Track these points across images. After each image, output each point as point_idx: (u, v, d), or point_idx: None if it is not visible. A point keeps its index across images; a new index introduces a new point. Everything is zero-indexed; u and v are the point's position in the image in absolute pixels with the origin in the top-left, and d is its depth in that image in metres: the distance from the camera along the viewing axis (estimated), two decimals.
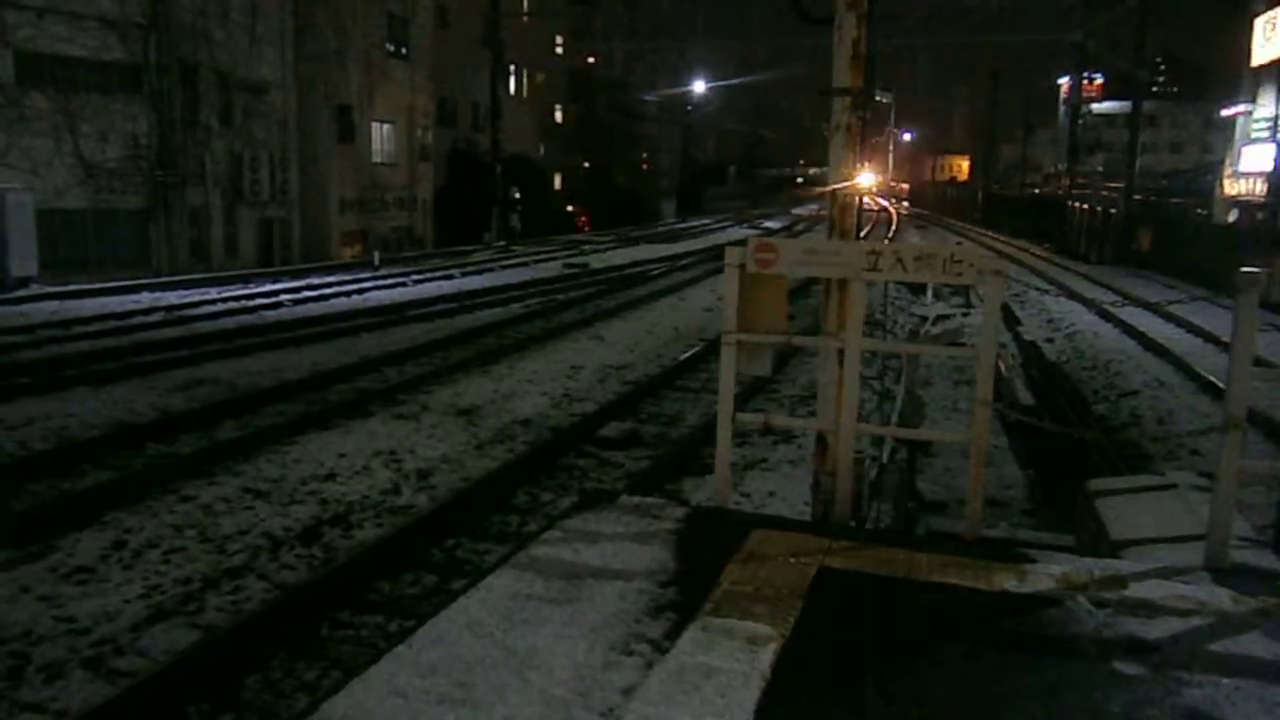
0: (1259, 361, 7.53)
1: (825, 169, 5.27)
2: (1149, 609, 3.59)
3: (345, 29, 28.96)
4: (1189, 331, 16.11)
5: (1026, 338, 15.80)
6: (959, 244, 34.11)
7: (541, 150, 47.03)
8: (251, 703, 4.52)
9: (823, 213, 5.14)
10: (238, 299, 18.25)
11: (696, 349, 13.72)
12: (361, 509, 7.13)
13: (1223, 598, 3.71)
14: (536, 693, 2.91)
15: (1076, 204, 37.43)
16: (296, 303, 18.16)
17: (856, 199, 5.23)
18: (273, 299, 18.37)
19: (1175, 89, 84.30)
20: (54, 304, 16.94)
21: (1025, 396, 10.99)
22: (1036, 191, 58.39)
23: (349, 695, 2.88)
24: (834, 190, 5.14)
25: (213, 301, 17.81)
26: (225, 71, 24.43)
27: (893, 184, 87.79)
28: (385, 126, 31.90)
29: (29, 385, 10.44)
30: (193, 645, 4.85)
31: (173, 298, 18.17)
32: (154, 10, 22.07)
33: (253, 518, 6.83)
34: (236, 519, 6.79)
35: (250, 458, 8.16)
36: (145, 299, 17.93)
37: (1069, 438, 9.35)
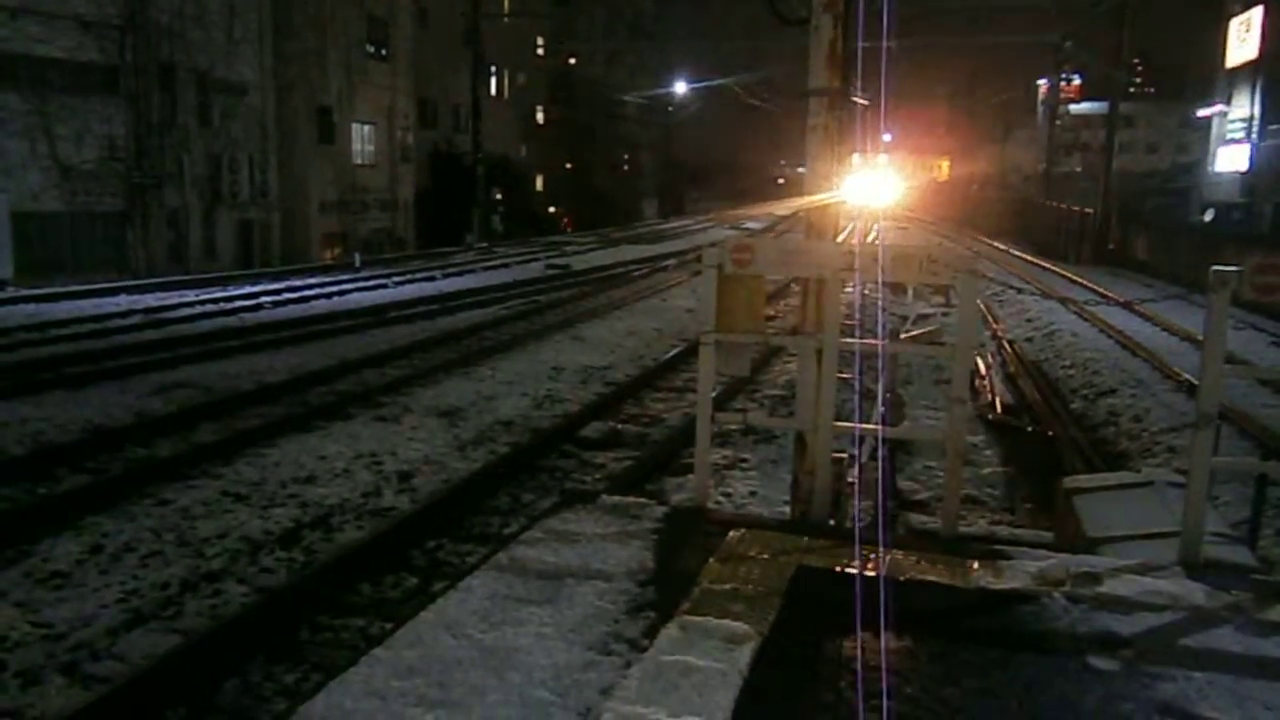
0: (1232, 359, 7.60)
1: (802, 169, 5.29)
2: (1123, 605, 3.63)
3: (324, 30, 28.84)
4: (1164, 330, 16.27)
5: (1006, 337, 15.91)
6: (939, 244, 34.29)
7: (523, 151, 47.00)
8: (230, 707, 4.49)
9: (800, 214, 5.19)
10: (216, 301, 18.12)
11: (677, 350, 13.73)
12: (342, 511, 7.09)
13: (1196, 593, 3.75)
14: (515, 693, 2.91)
15: (1055, 204, 37.72)
16: (276, 305, 18.05)
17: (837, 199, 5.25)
18: (252, 301, 18.25)
19: (1152, 90, 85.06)
20: (30, 307, 16.78)
21: (1005, 395, 11.07)
22: (1016, 191, 58.81)
23: (327, 697, 2.87)
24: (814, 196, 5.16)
25: (191, 304, 17.67)
26: (203, 72, 24.27)
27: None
28: (366, 128, 31.78)
29: (4, 389, 10.33)
30: (170, 650, 4.81)
31: (150, 300, 18.02)
32: (130, 11, 21.90)
33: (232, 521, 6.78)
34: (215, 523, 6.74)
35: (229, 461, 8.11)
36: (122, 301, 17.78)
37: (1048, 436, 9.43)
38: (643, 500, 4.99)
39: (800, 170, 5.25)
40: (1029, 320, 18.25)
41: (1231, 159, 30.22)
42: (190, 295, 18.87)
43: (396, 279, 22.63)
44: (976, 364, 11.73)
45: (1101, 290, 22.06)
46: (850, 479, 6.00)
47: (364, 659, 3.09)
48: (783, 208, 64.81)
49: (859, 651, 3.38)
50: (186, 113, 23.87)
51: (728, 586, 3.66)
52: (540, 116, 50.69)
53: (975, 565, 3.97)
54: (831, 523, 4.73)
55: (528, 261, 28.39)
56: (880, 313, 16.47)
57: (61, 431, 8.97)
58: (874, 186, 41.36)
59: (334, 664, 4.37)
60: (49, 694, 4.52)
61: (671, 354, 13.49)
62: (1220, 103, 31.55)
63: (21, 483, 7.44)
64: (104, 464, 8.04)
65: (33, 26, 20.30)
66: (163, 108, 23.07)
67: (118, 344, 13.36)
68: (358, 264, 25.39)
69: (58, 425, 9.18)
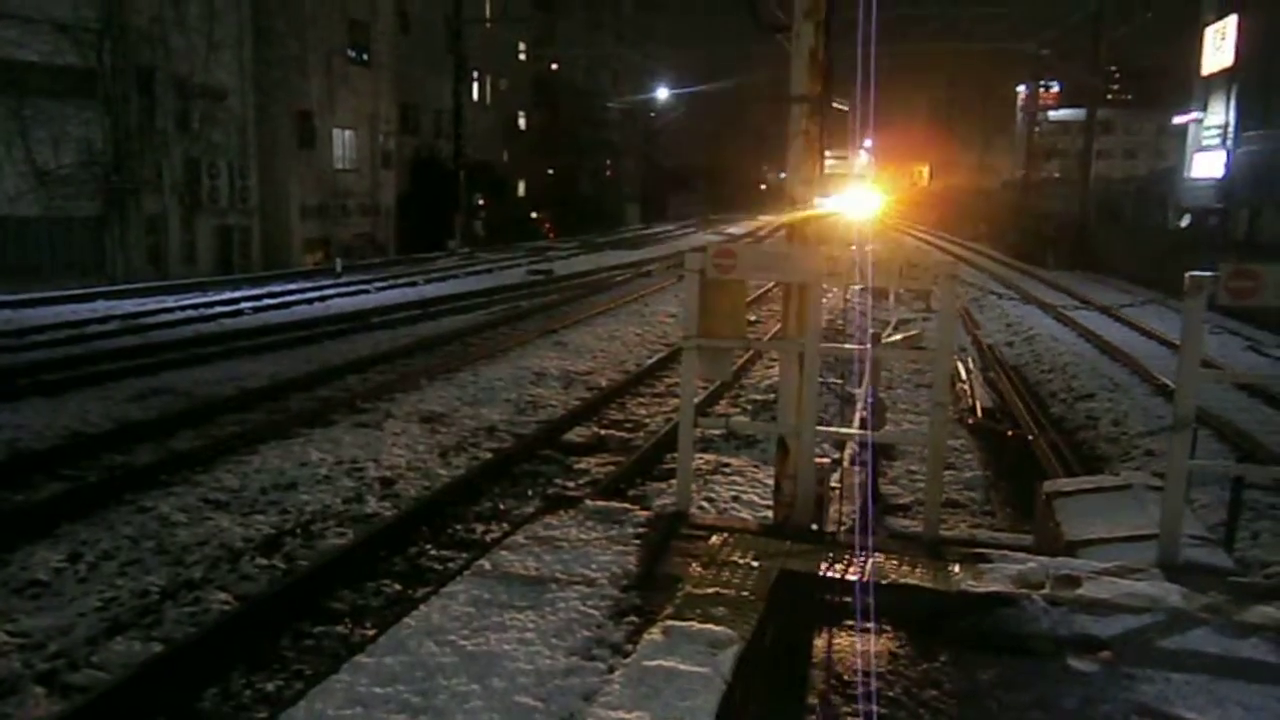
0: (1208, 363, 7.63)
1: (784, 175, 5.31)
2: (1102, 607, 3.66)
3: (305, 35, 28.72)
4: (1142, 334, 16.42)
5: (986, 341, 16.02)
6: (917, 249, 34.49)
7: (505, 156, 46.92)
8: (210, 715, 4.46)
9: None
10: (196, 307, 17.99)
11: (660, 355, 13.75)
12: (324, 518, 7.06)
13: (1173, 595, 3.79)
14: (498, 699, 2.90)
15: (1033, 210, 38.05)
16: (257, 310, 17.95)
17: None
18: (232, 307, 18.14)
19: (1129, 96, 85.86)
20: (6, 313, 16.61)
21: (985, 399, 11.14)
22: (995, 197, 59.22)
23: (309, 705, 2.86)
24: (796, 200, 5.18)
25: (170, 310, 17.54)
26: (182, 77, 24.11)
27: None
28: (347, 133, 31.66)
29: None
30: (150, 659, 4.77)
31: (129, 306, 17.87)
32: (108, 15, 21.73)
33: (212, 528, 6.73)
34: (195, 530, 6.69)
35: (209, 468, 8.05)
36: (101, 307, 17.63)
37: (1027, 440, 9.49)
38: (626, 505, 4.99)
39: (783, 176, 5.26)
40: (1008, 325, 18.38)
41: (1207, 165, 30.55)
42: (169, 301, 18.73)
43: (378, 284, 22.54)
44: (957, 368, 11.80)
45: (1080, 295, 22.23)
46: (833, 483, 6.02)
47: (346, 666, 3.07)
48: (766, 214, 64.93)
49: (841, 655, 3.40)
50: (165, 117, 23.70)
51: (710, 591, 3.66)
52: (523, 122, 50.63)
53: (956, 568, 3.99)
54: (814, 527, 4.74)
55: (510, 267, 28.35)
56: (859, 317, 16.55)
57: (39, 438, 8.88)
58: (852, 196, 40.38)
59: (315, 672, 4.36)
60: (27, 704, 4.47)
61: (654, 359, 13.50)
62: (1196, 109, 31.90)
63: None
64: (82, 471, 7.96)
65: (10, 30, 20.12)
66: (141, 112, 22.89)
67: (96, 350, 13.24)
68: (339, 269, 25.28)
69: (35, 432, 9.08)
